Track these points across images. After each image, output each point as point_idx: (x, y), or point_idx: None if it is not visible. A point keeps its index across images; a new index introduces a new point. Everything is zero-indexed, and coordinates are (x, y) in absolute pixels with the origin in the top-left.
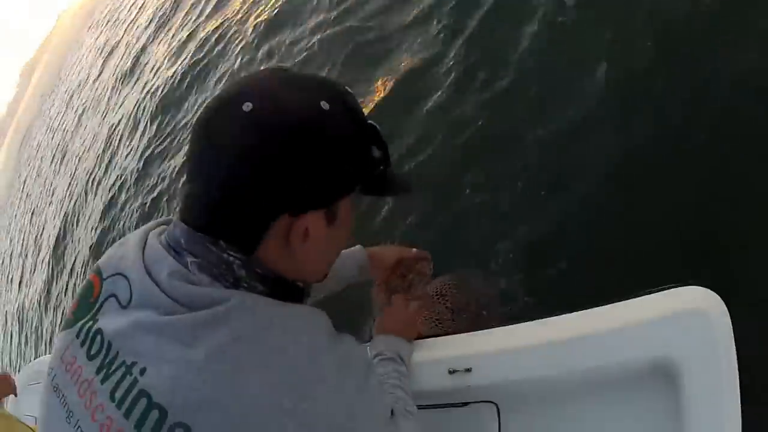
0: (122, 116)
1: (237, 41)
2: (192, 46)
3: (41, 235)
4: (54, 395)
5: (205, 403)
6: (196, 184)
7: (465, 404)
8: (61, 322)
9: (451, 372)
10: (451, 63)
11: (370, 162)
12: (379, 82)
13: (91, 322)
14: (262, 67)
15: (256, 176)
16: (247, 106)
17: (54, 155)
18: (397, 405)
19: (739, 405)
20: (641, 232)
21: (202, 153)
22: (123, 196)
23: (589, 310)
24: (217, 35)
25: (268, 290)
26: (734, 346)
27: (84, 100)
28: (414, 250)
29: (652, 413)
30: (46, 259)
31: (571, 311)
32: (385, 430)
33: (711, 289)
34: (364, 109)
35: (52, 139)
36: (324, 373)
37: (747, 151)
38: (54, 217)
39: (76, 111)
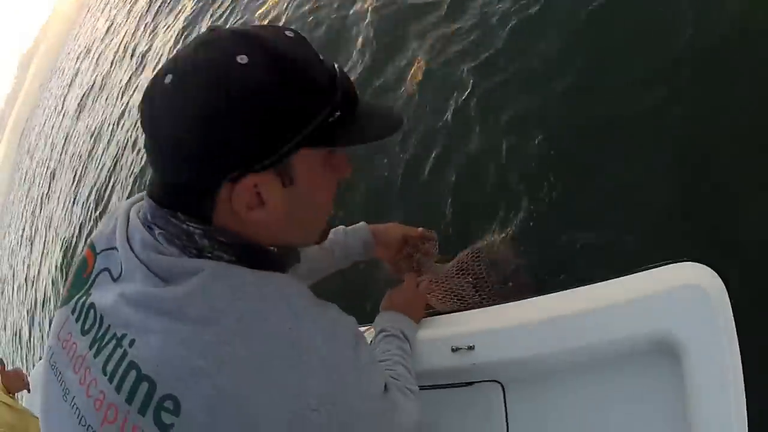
0: (125, 97)
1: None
2: (200, 20)
3: (48, 228)
4: (52, 374)
5: (192, 373)
6: (150, 164)
7: (470, 384)
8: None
9: (454, 350)
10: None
11: (313, 111)
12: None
13: (84, 297)
14: None
15: (180, 145)
16: (168, 78)
17: (55, 143)
18: (397, 382)
19: (742, 377)
20: (648, 211)
21: (144, 130)
22: (124, 178)
23: (589, 286)
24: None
25: (235, 259)
26: (733, 319)
27: (84, 86)
28: (420, 229)
29: (655, 387)
30: (55, 254)
31: (582, 285)
32: (379, 406)
33: (708, 265)
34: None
35: (52, 128)
36: (310, 342)
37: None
38: (59, 208)
39: (76, 97)
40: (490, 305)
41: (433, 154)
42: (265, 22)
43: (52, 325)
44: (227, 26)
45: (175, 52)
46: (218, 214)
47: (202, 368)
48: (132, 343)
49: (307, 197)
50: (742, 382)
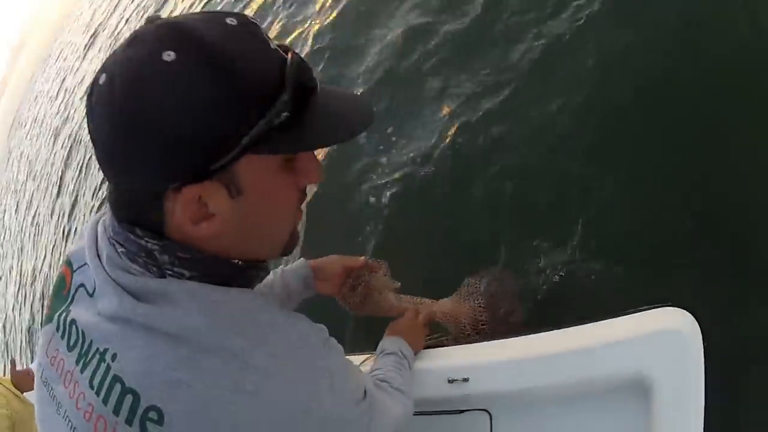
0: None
1: None
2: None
3: (41, 222)
4: (44, 390)
5: (172, 385)
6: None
7: (461, 412)
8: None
9: (450, 381)
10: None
11: (254, 113)
12: None
13: (65, 314)
14: None
15: (113, 151)
16: (102, 78)
17: (47, 133)
18: (383, 383)
19: (703, 417)
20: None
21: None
22: None
23: (578, 326)
24: None
25: (197, 274)
26: (703, 366)
27: (81, 74)
28: (362, 258)
29: (627, 423)
30: (50, 250)
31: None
32: (354, 413)
33: (686, 310)
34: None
35: (45, 115)
36: (282, 355)
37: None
38: (50, 200)
39: (70, 88)
40: (486, 337)
41: (436, 178)
42: None
43: (39, 343)
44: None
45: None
46: (170, 226)
47: (182, 380)
48: (114, 357)
49: (261, 207)
50: (702, 421)
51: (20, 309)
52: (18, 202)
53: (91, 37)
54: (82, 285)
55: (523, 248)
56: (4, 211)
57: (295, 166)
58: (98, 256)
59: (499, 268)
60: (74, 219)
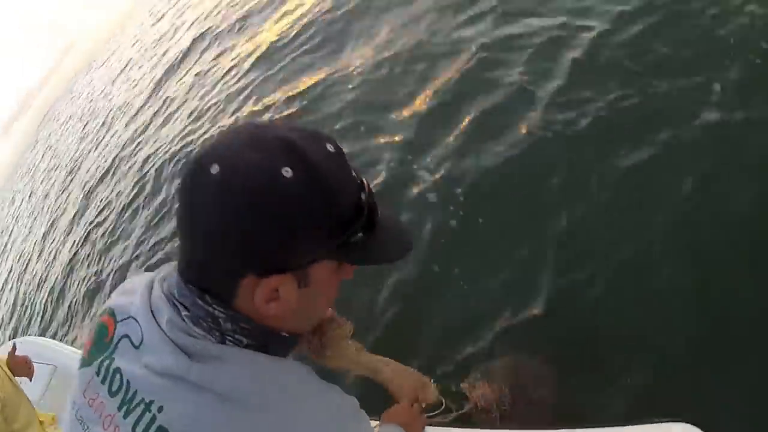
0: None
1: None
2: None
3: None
4: (79, 427)
5: None
6: (180, 238)
7: None
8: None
9: None
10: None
11: (340, 231)
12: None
13: (108, 361)
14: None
15: (215, 238)
16: (215, 169)
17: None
18: None
19: None
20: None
21: (180, 210)
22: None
23: (589, 429)
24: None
25: (254, 343)
26: None
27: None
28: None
29: None
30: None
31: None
32: None
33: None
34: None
35: (83, 115)
36: (318, 423)
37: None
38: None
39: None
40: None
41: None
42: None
43: (75, 384)
44: (274, 122)
45: (218, 138)
46: (239, 299)
47: None
48: (161, 409)
49: (316, 296)
50: None
51: (11, 286)
52: (33, 189)
53: (137, 53)
54: (126, 336)
55: (564, 345)
56: (18, 191)
57: (343, 268)
58: (152, 312)
59: (539, 357)
60: (76, 205)
